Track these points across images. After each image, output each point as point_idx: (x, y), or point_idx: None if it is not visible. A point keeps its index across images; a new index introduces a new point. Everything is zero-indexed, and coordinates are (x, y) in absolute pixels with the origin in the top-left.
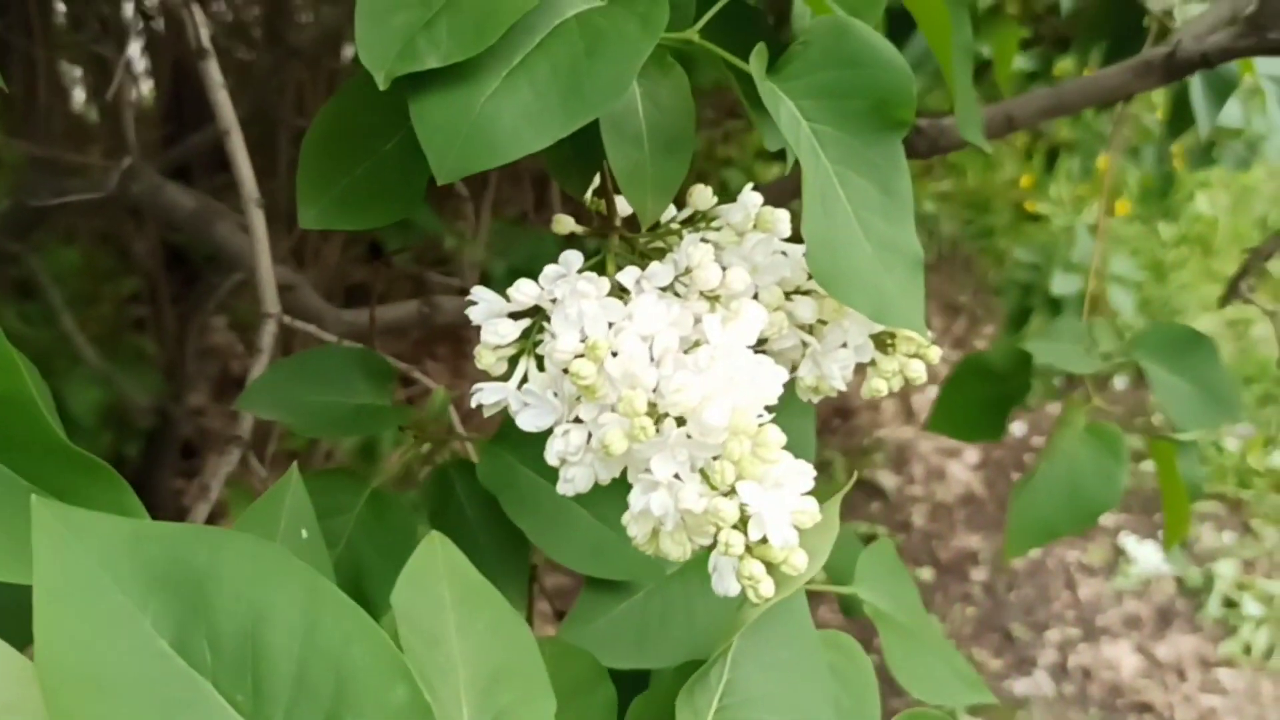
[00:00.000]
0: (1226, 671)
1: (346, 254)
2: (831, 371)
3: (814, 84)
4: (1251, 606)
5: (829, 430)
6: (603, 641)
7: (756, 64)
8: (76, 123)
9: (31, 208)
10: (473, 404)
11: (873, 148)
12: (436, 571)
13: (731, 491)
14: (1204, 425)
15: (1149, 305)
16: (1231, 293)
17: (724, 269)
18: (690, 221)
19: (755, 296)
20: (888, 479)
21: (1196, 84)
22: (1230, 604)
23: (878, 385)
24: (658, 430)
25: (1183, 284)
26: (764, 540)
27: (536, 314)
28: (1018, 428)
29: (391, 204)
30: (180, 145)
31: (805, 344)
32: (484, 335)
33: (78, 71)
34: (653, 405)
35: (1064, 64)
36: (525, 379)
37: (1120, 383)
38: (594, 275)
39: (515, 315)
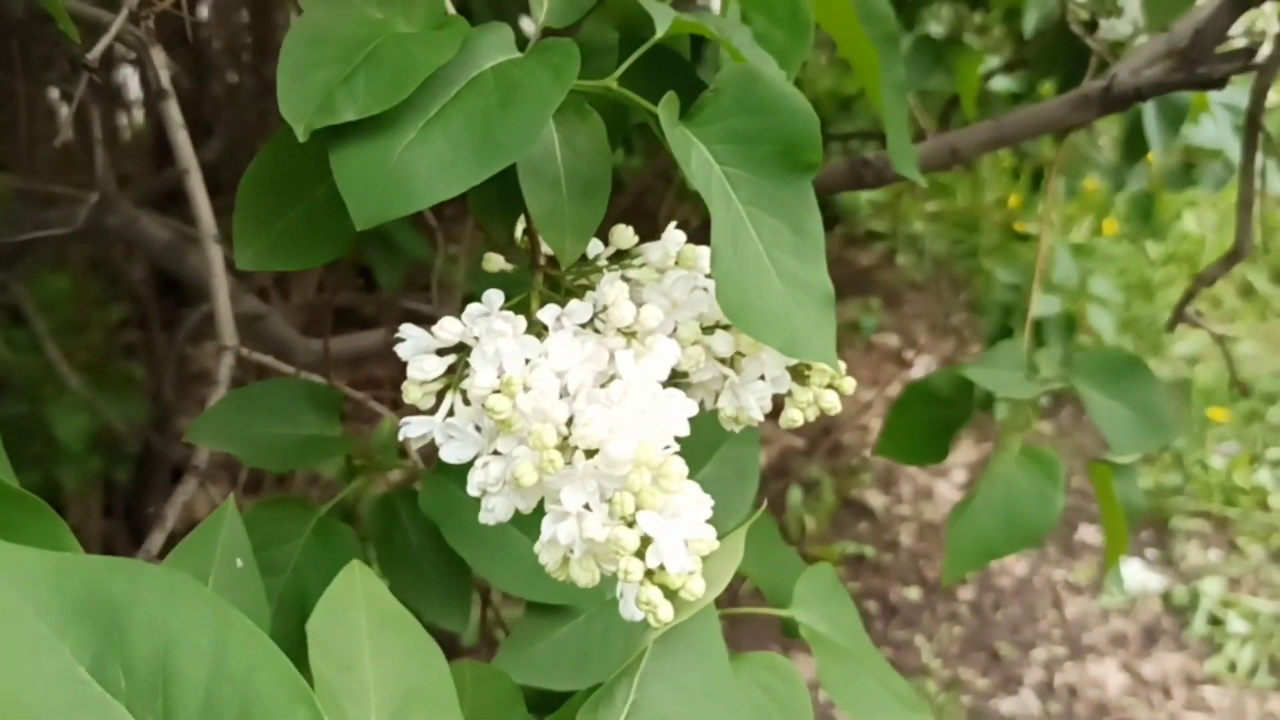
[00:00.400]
0: (1212, 689)
1: (332, 278)
2: (749, 403)
3: (725, 129)
4: (1237, 624)
5: (817, 450)
6: (543, 664)
7: (665, 111)
8: (67, 153)
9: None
10: (400, 437)
11: (783, 189)
12: (355, 599)
13: (633, 521)
14: (1141, 448)
15: (1136, 324)
16: (1178, 318)
17: (639, 306)
18: (617, 258)
19: (674, 331)
20: (875, 498)
21: (1149, 111)
22: (1216, 621)
23: (793, 415)
24: (569, 462)
25: (1170, 302)
26: (662, 567)
27: (463, 350)
28: None
29: (324, 246)
30: (164, 173)
31: (725, 376)
32: (409, 371)
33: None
34: (565, 438)
35: (1048, 87)
36: (452, 412)
37: None
38: (511, 314)
39: (442, 351)
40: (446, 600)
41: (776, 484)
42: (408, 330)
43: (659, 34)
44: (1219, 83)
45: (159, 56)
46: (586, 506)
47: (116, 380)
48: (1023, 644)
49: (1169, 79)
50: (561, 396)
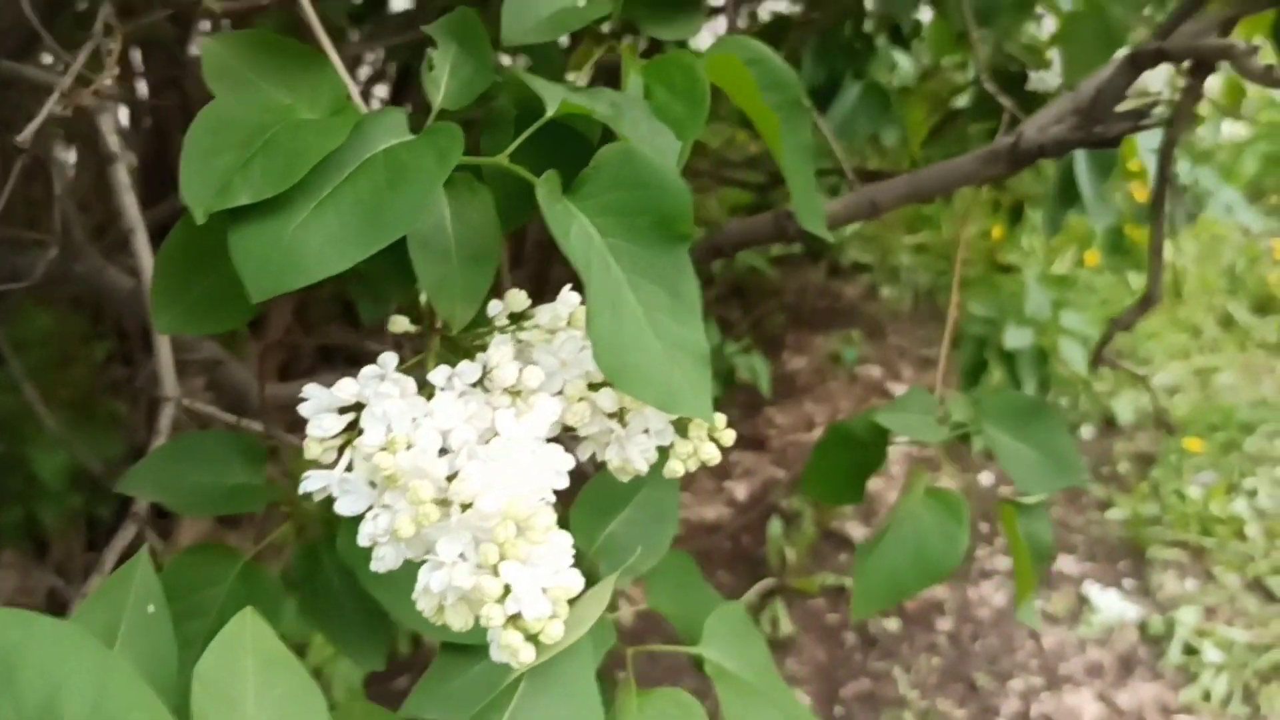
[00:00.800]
0: (1186, 718)
1: (316, 315)
2: (634, 455)
3: (606, 203)
4: (1212, 653)
5: (797, 481)
6: (457, 701)
7: (544, 188)
8: (48, 200)
9: None
10: (300, 491)
11: (662, 258)
12: (244, 643)
13: (498, 570)
14: (1047, 489)
15: (1118, 355)
16: (1097, 360)
17: (526, 366)
18: (514, 319)
19: (563, 388)
20: (856, 530)
21: (1080, 159)
22: (1191, 651)
23: (674, 466)
24: (447, 515)
25: (1151, 333)
26: (520, 613)
27: (361, 409)
28: (985, 478)
29: (232, 313)
30: (148, 212)
31: (611, 430)
32: (309, 429)
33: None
34: (445, 493)
35: None
36: (350, 468)
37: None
38: (400, 376)
39: (344, 410)
40: (364, 640)
41: (756, 515)
42: (310, 390)
43: (549, 113)
44: (1114, 141)
45: (108, 123)
46: (462, 556)
47: (101, 418)
48: (1000, 674)
49: (1070, 137)
50: (446, 453)
